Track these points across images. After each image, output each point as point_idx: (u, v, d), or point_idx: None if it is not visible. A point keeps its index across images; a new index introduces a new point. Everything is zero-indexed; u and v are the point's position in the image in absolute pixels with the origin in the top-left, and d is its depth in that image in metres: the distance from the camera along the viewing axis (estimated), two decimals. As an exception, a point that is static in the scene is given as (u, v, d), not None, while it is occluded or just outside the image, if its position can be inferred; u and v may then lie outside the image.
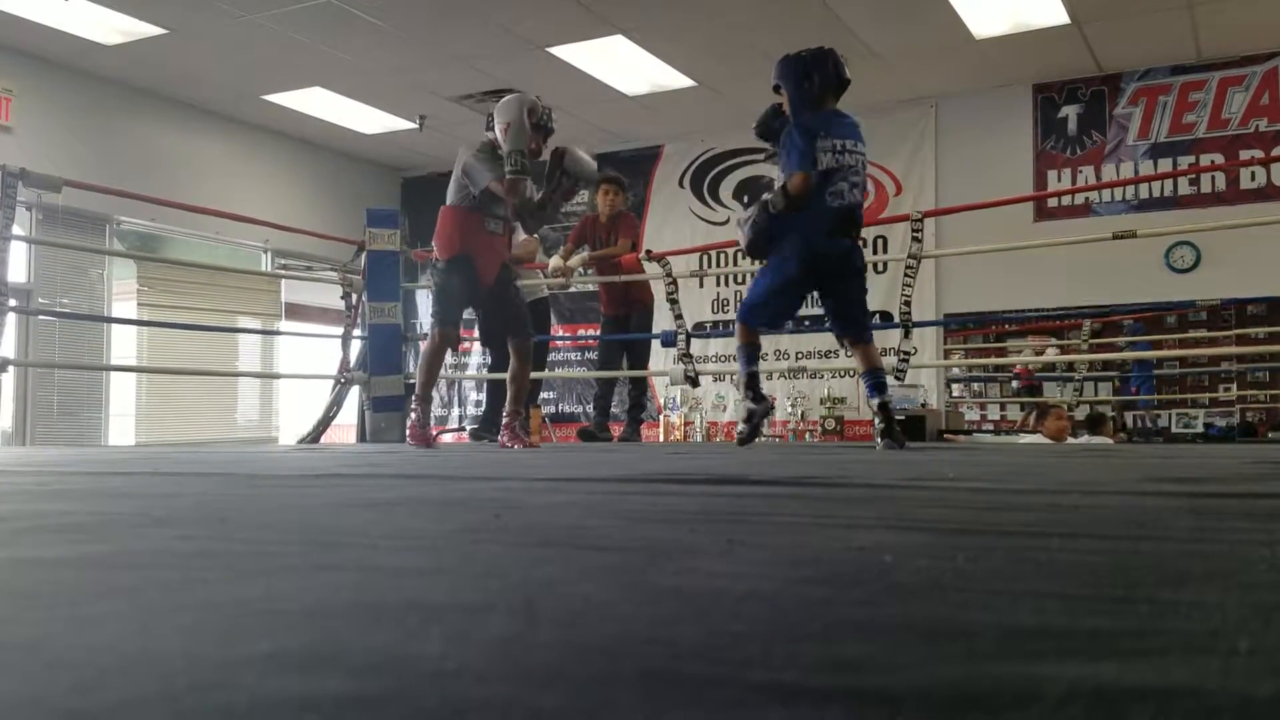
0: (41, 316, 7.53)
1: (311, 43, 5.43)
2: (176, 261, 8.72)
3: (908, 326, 4.91)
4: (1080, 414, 7.14)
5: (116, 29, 7.13)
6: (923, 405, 7.83)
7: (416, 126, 9.07)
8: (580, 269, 6.42)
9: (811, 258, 3.86)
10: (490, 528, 1.20)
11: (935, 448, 5.23)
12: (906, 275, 4.90)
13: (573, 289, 8.76)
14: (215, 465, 2.73)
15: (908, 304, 4.93)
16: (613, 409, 6.68)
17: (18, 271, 6.93)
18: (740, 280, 9.22)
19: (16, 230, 4.91)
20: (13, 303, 5.16)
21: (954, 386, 8.60)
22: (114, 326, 8.11)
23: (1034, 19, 6.99)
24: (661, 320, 6.38)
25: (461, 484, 1.99)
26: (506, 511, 1.41)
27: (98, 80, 8.01)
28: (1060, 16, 6.92)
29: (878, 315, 8.56)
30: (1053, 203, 8.17)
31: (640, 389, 6.65)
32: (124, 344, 8.28)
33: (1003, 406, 8.41)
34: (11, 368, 6.09)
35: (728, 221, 9.29)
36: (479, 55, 7.66)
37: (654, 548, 0.98)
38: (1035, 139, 8.32)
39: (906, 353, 4.87)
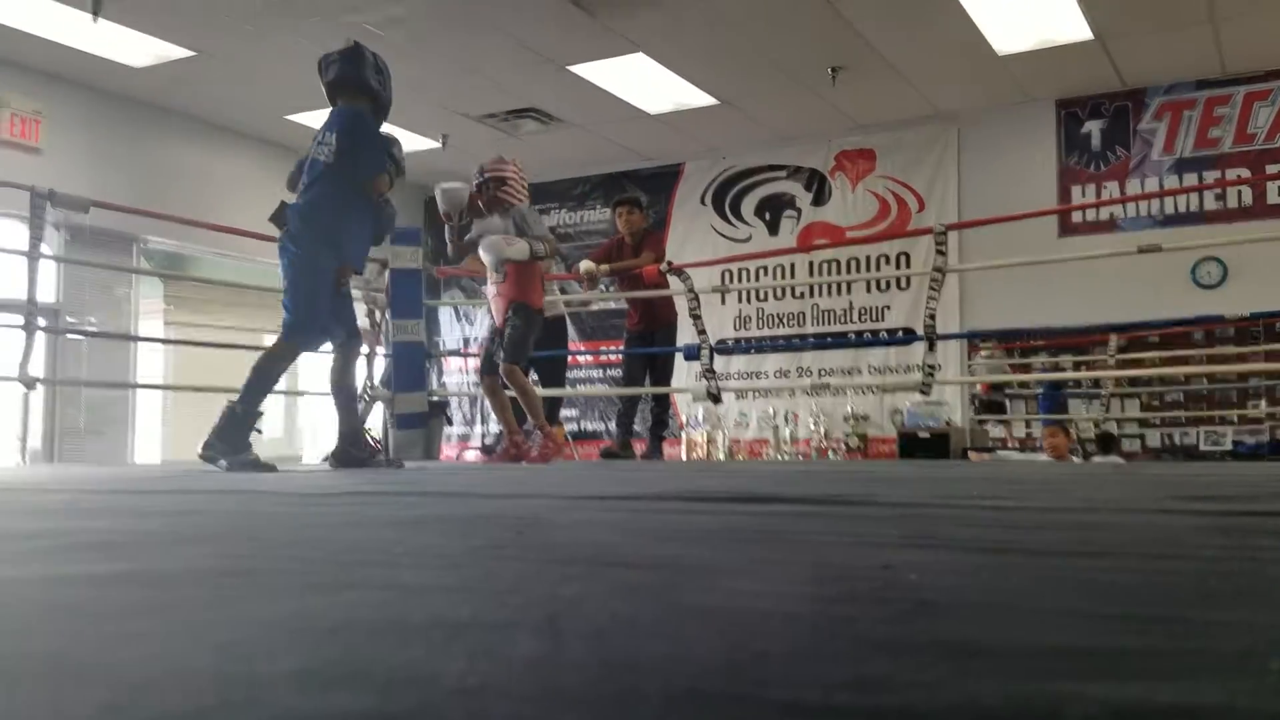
0: (69, 335, 7.61)
1: (336, 64, 5.58)
2: (202, 280, 8.81)
3: (932, 339, 4.88)
4: (1103, 429, 7.09)
5: (145, 51, 7.23)
6: (946, 422, 7.79)
7: (439, 145, 9.13)
8: (603, 283, 6.46)
9: None
10: (514, 545, 1.20)
11: (960, 465, 5.19)
12: (931, 289, 4.86)
13: (594, 306, 8.78)
14: (241, 483, 2.75)
15: (932, 318, 4.90)
16: (635, 426, 6.68)
17: (46, 291, 7.01)
18: (762, 297, 9.21)
19: (45, 250, 4.94)
20: (41, 322, 5.23)
21: (978, 403, 8.55)
22: (140, 345, 8.19)
23: (1057, 35, 6.97)
24: (684, 336, 6.39)
25: (485, 501, 1.99)
26: (530, 529, 1.42)
27: (126, 101, 8.12)
28: (1084, 32, 6.89)
29: (901, 331, 8.56)
30: (1077, 218, 8.12)
31: (663, 406, 6.65)
32: (150, 362, 8.36)
33: (1027, 424, 8.34)
34: (39, 386, 6.16)
35: (750, 239, 9.29)
36: (501, 74, 7.72)
37: (678, 566, 0.98)
38: (1059, 154, 8.28)
39: (931, 367, 4.84)
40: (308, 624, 0.67)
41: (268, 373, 3.90)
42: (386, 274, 6.42)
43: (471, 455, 9.39)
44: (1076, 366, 8.08)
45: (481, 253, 4.74)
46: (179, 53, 7.23)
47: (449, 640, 0.61)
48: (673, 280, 6.14)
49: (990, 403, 8.43)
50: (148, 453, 8.13)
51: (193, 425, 8.61)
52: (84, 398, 7.83)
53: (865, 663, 0.56)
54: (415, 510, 1.78)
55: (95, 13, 6.40)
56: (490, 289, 4.82)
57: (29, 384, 5.05)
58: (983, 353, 8.34)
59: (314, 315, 3.88)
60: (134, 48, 7.16)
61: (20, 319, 4.60)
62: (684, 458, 8.61)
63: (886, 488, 2.44)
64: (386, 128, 4.31)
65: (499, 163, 4.80)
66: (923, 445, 7.35)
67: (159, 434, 8.32)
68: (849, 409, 8.52)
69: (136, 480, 3.12)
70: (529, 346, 4.75)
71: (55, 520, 1.54)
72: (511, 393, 4.84)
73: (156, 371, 8.38)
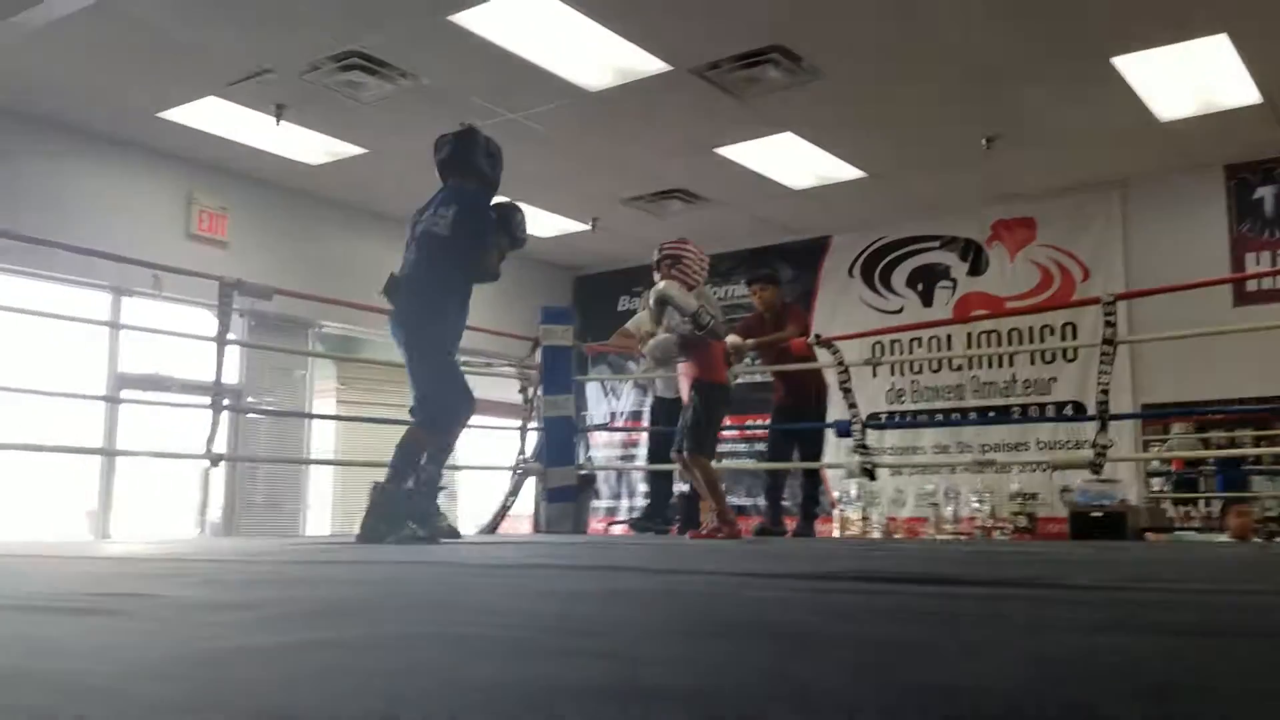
0: (249, 415, 8.11)
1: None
2: (372, 361, 9.26)
3: (1104, 419, 4.63)
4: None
5: (321, 150, 7.77)
6: (1121, 501, 7.37)
7: (589, 228, 9.42)
8: (749, 357, 6.45)
9: None
10: (709, 620, 1.21)
11: (1141, 547, 4.91)
12: (1102, 363, 4.64)
13: (740, 379, 8.78)
14: (420, 555, 2.85)
15: (1105, 393, 4.67)
16: (783, 502, 6.60)
17: (230, 373, 7.50)
18: (917, 369, 9.01)
19: (231, 335, 5.28)
20: (226, 402, 5.59)
21: (1154, 481, 8.07)
22: (314, 422, 8.64)
23: (1224, 99, 6.69)
24: (835, 411, 6.29)
25: (660, 576, 2.01)
26: (716, 604, 1.43)
27: (303, 196, 8.71)
28: (1252, 95, 6.60)
29: (1071, 405, 8.20)
30: (1252, 286, 7.67)
31: (814, 482, 6.55)
32: (323, 439, 8.80)
33: (1207, 502, 7.82)
34: (222, 462, 6.56)
35: (901, 310, 9.14)
36: (649, 161, 7.93)
37: (890, 645, 0.97)
38: (1231, 221, 7.88)
39: (1103, 446, 4.59)
40: (549, 686, 0.69)
41: (414, 452, 4.03)
42: (539, 352, 6.61)
43: (619, 529, 9.44)
44: (1256, 442, 7.58)
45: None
46: (352, 150, 7.74)
47: (701, 707, 0.62)
48: (822, 354, 6.09)
49: (1184, 480, 7.95)
50: (319, 525, 8.50)
51: (360, 498, 8.99)
52: (261, 473, 8.28)
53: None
54: (594, 584, 1.81)
55: (278, 117, 6.94)
56: (679, 365, 4.87)
57: (214, 461, 5.38)
58: (1176, 428, 7.90)
59: (445, 393, 4.00)
60: (311, 147, 7.70)
61: (207, 399, 4.93)
62: (837, 535, 8.42)
63: (1073, 570, 2.34)
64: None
65: (679, 243, 4.84)
66: (1096, 525, 6.95)
67: (329, 507, 8.70)
68: (1016, 486, 8.16)
69: (319, 551, 3.27)
70: (711, 433, 4.75)
71: (268, 590, 1.64)
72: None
73: (328, 448, 8.80)
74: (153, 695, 0.68)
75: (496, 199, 4.34)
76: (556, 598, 1.52)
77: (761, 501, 9.46)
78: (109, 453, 7.33)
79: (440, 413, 4.00)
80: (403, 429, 4.19)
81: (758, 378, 7.43)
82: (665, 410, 6.66)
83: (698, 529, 5.12)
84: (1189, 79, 6.41)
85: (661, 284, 4.55)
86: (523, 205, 9.21)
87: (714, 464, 5.00)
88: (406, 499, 3.90)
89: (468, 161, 4.17)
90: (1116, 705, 0.67)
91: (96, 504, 7.39)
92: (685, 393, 4.75)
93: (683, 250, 4.73)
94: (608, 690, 0.69)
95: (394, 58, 6.16)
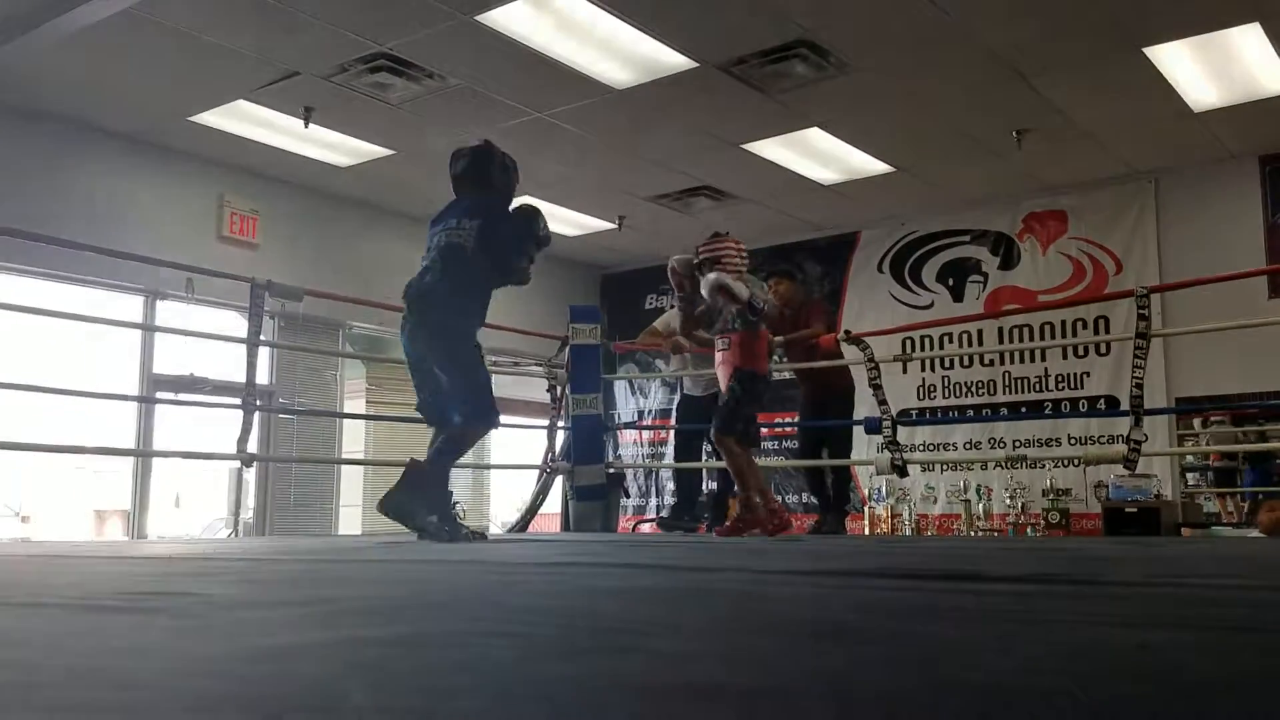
0: (281, 415, 8.18)
1: (519, 156, 5.83)
2: (400, 361, 9.29)
3: (1138, 414, 4.56)
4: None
5: (350, 152, 7.83)
6: (1156, 496, 7.29)
7: (615, 226, 9.42)
8: (777, 355, 6.42)
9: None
10: (747, 617, 1.22)
11: (1177, 542, 4.85)
12: (1136, 357, 4.58)
13: (770, 376, 8.75)
14: (453, 553, 2.87)
15: (1139, 387, 4.60)
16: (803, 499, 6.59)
17: (261, 374, 7.58)
18: (948, 365, 8.95)
19: (262, 336, 5.32)
20: (258, 403, 5.64)
21: (1189, 476, 7.97)
22: (345, 422, 8.71)
23: (1257, 89, 6.60)
24: (865, 407, 6.26)
25: (693, 575, 2.01)
26: (754, 602, 1.43)
27: (333, 198, 8.78)
28: (1287, 82, 6.52)
29: (1103, 399, 8.12)
30: (1289, 277, 7.56)
31: (843, 479, 6.52)
32: (354, 439, 8.87)
33: (1242, 498, 7.72)
34: (255, 463, 6.63)
35: (932, 305, 9.08)
36: (675, 158, 7.92)
37: (928, 641, 0.97)
38: (1265, 212, 7.77)
39: (1137, 441, 4.53)
40: (600, 683, 0.70)
41: (455, 451, 4.09)
42: (566, 350, 6.63)
43: (647, 528, 9.45)
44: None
45: (704, 292, 4.68)
46: (380, 152, 7.79)
47: (748, 703, 0.63)
48: (851, 350, 6.04)
49: (1223, 471, 7.85)
50: (349, 524, 8.58)
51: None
52: (294, 473, 8.36)
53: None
54: (628, 581, 1.82)
55: (306, 120, 7.00)
56: (716, 355, 4.81)
57: (247, 461, 5.44)
58: (1215, 417, 7.80)
59: (485, 392, 4.05)
60: (340, 149, 7.76)
61: (239, 400, 4.97)
62: (867, 533, 8.39)
63: (1106, 566, 2.32)
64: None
65: (714, 243, 4.74)
66: (1130, 521, 6.88)
67: (360, 507, 8.78)
68: (1048, 482, 8.09)
69: (355, 550, 3.30)
70: (744, 416, 4.69)
71: (311, 588, 1.66)
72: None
73: (359, 448, 8.87)
74: (201, 691, 0.69)
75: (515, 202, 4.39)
76: (594, 596, 1.53)
77: (791, 499, 9.47)
78: (144, 454, 7.42)
79: (485, 411, 4.06)
80: (430, 428, 4.26)
81: (787, 375, 7.39)
82: (692, 408, 6.65)
83: (724, 525, 5.05)
84: (1222, 69, 6.33)
85: (712, 275, 4.49)
86: (549, 204, 9.31)
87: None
88: (436, 486, 3.96)
89: (484, 175, 4.22)
90: (1156, 703, 0.67)
91: (130, 505, 7.49)
92: (724, 381, 4.70)
93: (720, 250, 4.67)
94: (661, 689, 0.69)
95: (421, 59, 6.19)
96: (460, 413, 4.02)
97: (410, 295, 4.10)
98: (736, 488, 4.78)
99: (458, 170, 4.29)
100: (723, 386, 4.73)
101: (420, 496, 3.91)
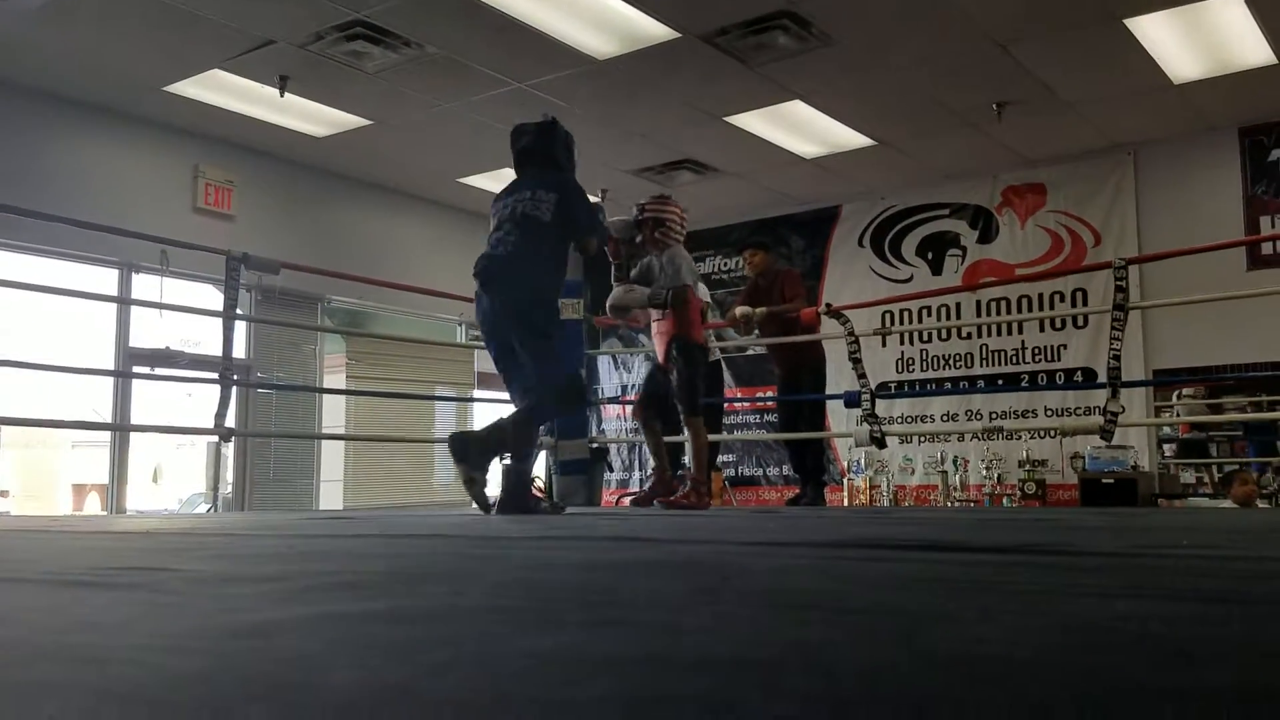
0: (259, 390, 8.13)
1: (502, 127, 5.79)
2: (381, 335, 9.29)
3: (1115, 386, 4.61)
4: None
5: (326, 122, 7.74)
6: (1133, 467, 7.37)
7: (598, 200, 9.38)
8: (755, 331, 6.43)
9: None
10: (728, 589, 1.22)
11: (1154, 513, 4.91)
12: (1114, 329, 4.61)
13: (750, 351, 8.78)
14: (435, 528, 2.87)
15: (1116, 359, 4.64)
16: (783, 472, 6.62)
17: (238, 348, 7.52)
18: (926, 338, 9.00)
19: (238, 310, 5.26)
20: (235, 377, 5.59)
21: (1166, 447, 8.06)
22: (325, 397, 8.67)
23: (1237, 60, 6.63)
24: (844, 380, 6.28)
25: (675, 547, 2.02)
26: (734, 575, 1.43)
27: (310, 169, 8.69)
28: (1266, 55, 6.54)
29: (1080, 371, 8.18)
30: (1267, 249, 7.63)
31: (818, 451, 6.55)
32: (333, 414, 8.83)
33: (1220, 468, 7.81)
34: (233, 437, 6.59)
35: (911, 279, 9.12)
36: (658, 130, 7.89)
37: (909, 613, 0.97)
38: (1244, 184, 7.82)
39: (1114, 413, 4.57)
40: (584, 655, 0.70)
41: (530, 429, 4.10)
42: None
43: (629, 500, 9.48)
44: (1271, 407, 7.57)
45: (610, 302, 4.86)
46: (358, 122, 7.71)
47: (730, 674, 0.62)
48: (831, 323, 6.06)
49: (1191, 443, 7.92)
50: (330, 499, 8.56)
51: (371, 473, 9.05)
52: (273, 448, 8.32)
53: (1157, 714, 0.55)
54: (613, 554, 1.82)
55: (282, 89, 6.91)
56: (653, 325, 4.84)
57: (225, 435, 5.40)
58: (1186, 391, 7.88)
59: (571, 366, 4.05)
60: (316, 119, 7.67)
61: (216, 374, 4.92)
62: (846, 504, 8.44)
63: (1084, 537, 2.34)
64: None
65: (660, 203, 4.80)
66: (1107, 492, 6.95)
67: (340, 481, 8.75)
68: (1025, 453, 8.17)
69: (337, 524, 3.29)
70: (700, 388, 4.71)
71: (287, 564, 1.65)
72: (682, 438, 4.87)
73: (339, 423, 8.84)
74: (175, 667, 0.69)
75: None
76: (578, 569, 1.53)
77: (771, 471, 9.51)
78: (120, 428, 7.37)
79: (570, 386, 4.08)
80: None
81: (760, 350, 7.42)
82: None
83: (669, 495, 4.92)
84: (1202, 40, 6.35)
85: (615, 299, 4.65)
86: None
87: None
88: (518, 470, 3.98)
89: (546, 153, 4.18)
90: (1138, 671, 0.67)
91: (108, 479, 7.43)
92: (661, 351, 4.70)
93: (665, 212, 4.72)
94: (648, 659, 0.69)
95: (399, 27, 6.12)
96: (533, 392, 3.99)
97: (491, 270, 4.01)
98: (692, 468, 4.74)
99: (523, 145, 4.27)
100: (660, 356, 4.73)
101: (522, 494, 3.89)
